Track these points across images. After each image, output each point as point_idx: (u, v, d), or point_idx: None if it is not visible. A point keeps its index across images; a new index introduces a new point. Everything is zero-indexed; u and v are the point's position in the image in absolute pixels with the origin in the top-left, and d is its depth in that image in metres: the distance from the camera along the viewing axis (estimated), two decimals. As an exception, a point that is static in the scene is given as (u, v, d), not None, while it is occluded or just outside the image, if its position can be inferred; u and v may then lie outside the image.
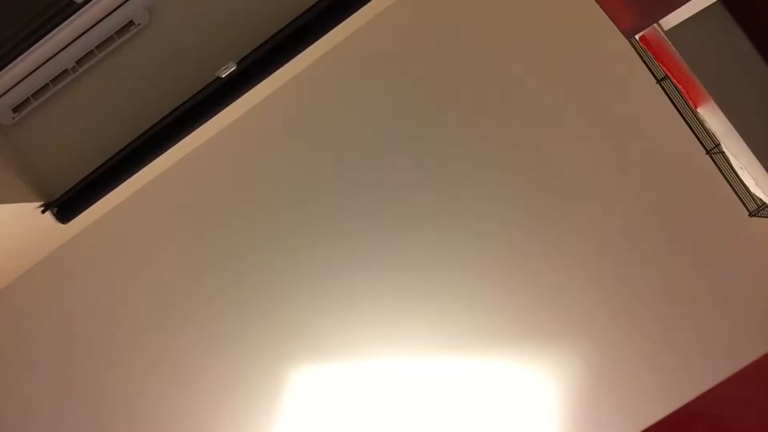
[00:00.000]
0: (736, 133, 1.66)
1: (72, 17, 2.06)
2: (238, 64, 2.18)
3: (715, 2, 1.54)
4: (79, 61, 2.17)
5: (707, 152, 2.18)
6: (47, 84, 2.19)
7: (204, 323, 2.65)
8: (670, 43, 1.64)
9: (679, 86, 1.86)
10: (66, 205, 2.30)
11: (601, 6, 1.65)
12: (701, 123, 2.11)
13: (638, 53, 2.09)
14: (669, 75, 1.87)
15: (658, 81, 2.12)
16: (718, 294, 2.45)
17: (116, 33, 2.16)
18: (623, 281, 2.51)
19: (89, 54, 2.17)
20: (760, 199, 2.10)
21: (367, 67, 2.59)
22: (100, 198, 2.31)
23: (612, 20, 1.67)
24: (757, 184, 1.82)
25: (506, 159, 2.55)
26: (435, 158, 2.58)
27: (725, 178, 2.22)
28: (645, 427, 2.47)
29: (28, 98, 2.20)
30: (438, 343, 2.59)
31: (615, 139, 2.50)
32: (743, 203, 2.22)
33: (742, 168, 1.86)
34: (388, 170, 2.59)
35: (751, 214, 2.21)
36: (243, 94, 2.26)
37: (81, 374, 2.67)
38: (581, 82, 2.48)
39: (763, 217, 2.17)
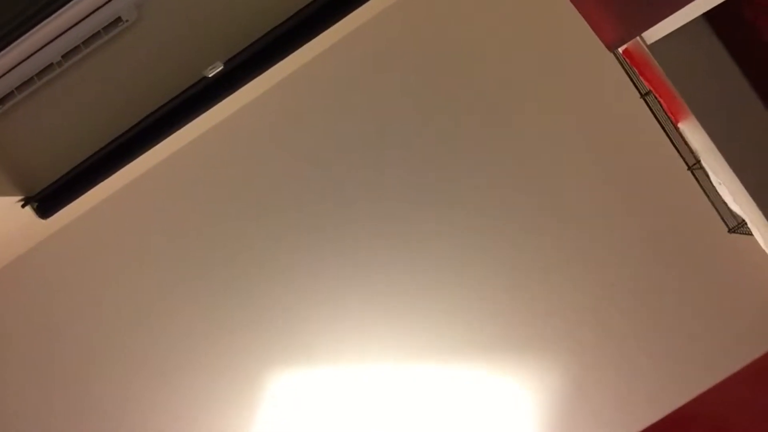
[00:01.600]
0: (715, 149, 1.67)
1: (59, 11, 2.04)
2: (225, 64, 2.18)
3: (697, 17, 1.56)
4: (65, 56, 2.16)
5: (689, 168, 2.20)
6: (32, 77, 2.17)
7: (187, 324, 2.64)
8: (652, 57, 1.66)
9: (661, 101, 1.87)
10: (47, 200, 2.28)
11: (584, 18, 1.67)
12: (683, 139, 2.13)
13: (623, 67, 2.11)
14: (651, 89, 1.89)
15: (642, 96, 2.14)
16: (698, 309, 2.47)
17: (104, 29, 2.15)
18: (604, 294, 2.52)
19: (75, 49, 2.16)
20: (740, 216, 2.12)
21: (359, 72, 2.60)
22: (81, 194, 2.30)
23: (595, 33, 1.68)
24: (735, 200, 1.84)
25: (493, 169, 2.57)
26: (427, 167, 2.59)
27: (706, 194, 2.24)
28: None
29: (12, 91, 2.17)
30: (419, 352, 2.59)
31: (598, 154, 2.51)
32: (723, 220, 2.24)
33: (720, 184, 1.88)
34: (378, 176, 2.60)
35: (730, 231, 2.22)
36: (230, 94, 2.26)
37: (59, 371, 2.65)
38: (565, 95, 2.50)
39: (742, 233, 2.19)
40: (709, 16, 1.62)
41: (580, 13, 1.67)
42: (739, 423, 2.30)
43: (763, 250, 2.18)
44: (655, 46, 1.64)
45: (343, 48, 2.56)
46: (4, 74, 2.16)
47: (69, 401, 2.65)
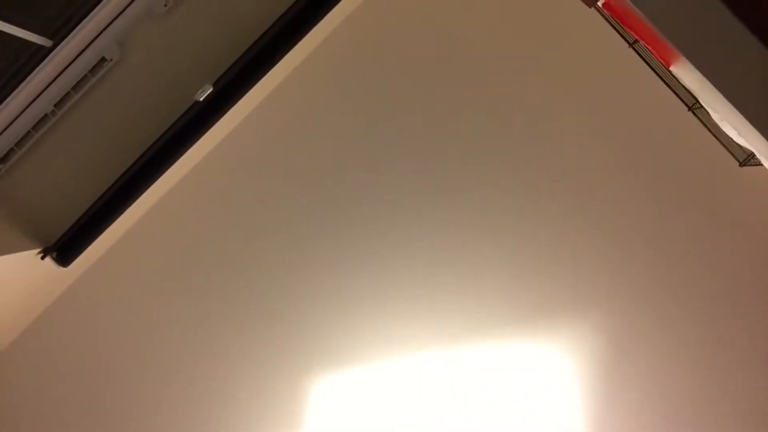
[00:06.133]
0: (711, 85, 1.65)
1: (43, 62, 2.07)
2: (214, 85, 2.19)
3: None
4: (58, 105, 2.18)
5: (689, 108, 2.17)
6: (29, 131, 2.19)
7: (220, 345, 2.67)
8: (632, 4, 1.64)
9: (649, 47, 1.86)
10: (64, 248, 2.31)
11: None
12: (679, 81, 2.10)
13: (606, 20, 2.09)
14: (637, 38, 1.87)
15: (631, 44, 2.12)
16: (721, 250, 2.45)
17: (90, 71, 2.17)
18: (624, 249, 2.51)
19: (66, 96, 2.18)
20: (748, 149, 2.09)
21: (352, 64, 2.62)
22: (96, 237, 2.32)
23: (572, -10, 1.67)
24: (739, 134, 1.82)
25: (499, 142, 2.57)
26: (440, 158, 2.61)
27: (711, 132, 2.21)
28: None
29: (12, 148, 2.20)
30: (456, 333, 2.60)
31: (599, 110, 2.50)
32: (732, 154, 2.21)
33: (722, 120, 1.86)
34: (393, 177, 2.62)
35: (741, 164, 2.20)
36: (224, 113, 2.27)
37: (101, 408, 2.69)
38: (557, 59, 2.49)
39: (754, 165, 2.16)
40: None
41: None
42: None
43: (778, 178, 2.16)
44: (633, -6, 1.62)
45: (331, 45, 2.58)
46: (0, 134, 2.18)
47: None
